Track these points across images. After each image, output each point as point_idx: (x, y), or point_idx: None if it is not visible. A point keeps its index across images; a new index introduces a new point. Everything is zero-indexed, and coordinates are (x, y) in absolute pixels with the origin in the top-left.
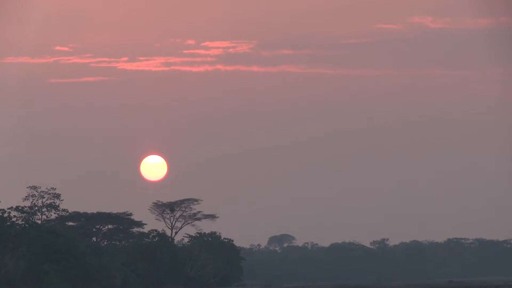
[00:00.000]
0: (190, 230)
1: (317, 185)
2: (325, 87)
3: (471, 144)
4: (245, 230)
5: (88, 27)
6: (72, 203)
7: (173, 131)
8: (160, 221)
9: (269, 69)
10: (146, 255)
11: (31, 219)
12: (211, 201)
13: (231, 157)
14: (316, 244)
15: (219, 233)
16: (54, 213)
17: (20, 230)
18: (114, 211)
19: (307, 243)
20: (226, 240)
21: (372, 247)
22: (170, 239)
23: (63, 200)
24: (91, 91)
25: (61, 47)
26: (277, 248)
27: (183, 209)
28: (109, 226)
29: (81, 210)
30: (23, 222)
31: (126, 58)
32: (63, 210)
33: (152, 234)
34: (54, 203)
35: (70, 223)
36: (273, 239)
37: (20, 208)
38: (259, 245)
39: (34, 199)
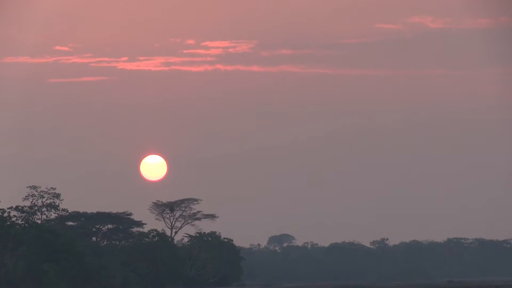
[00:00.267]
0: (190, 230)
1: (317, 185)
2: (325, 87)
3: (470, 144)
4: (245, 230)
5: (88, 27)
6: (72, 202)
7: (173, 131)
8: (160, 221)
9: (268, 69)
10: (146, 255)
11: (31, 219)
12: (211, 201)
13: (231, 157)
14: (316, 244)
15: (219, 233)
16: (54, 212)
17: (20, 230)
18: (114, 211)
19: (307, 243)
20: (226, 240)
21: (372, 247)
22: (170, 239)
23: (63, 199)
24: (91, 91)
25: (61, 47)
26: (277, 248)
27: (183, 209)
28: (109, 226)
29: (81, 210)
30: (23, 222)
31: (126, 58)
32: (63, 210)
33: (152, 234)
34: (54, 202)
35: (70, 223)
36: (273, 239)
37: (20, 208)
38: (259, 245)
39: (34, 199)
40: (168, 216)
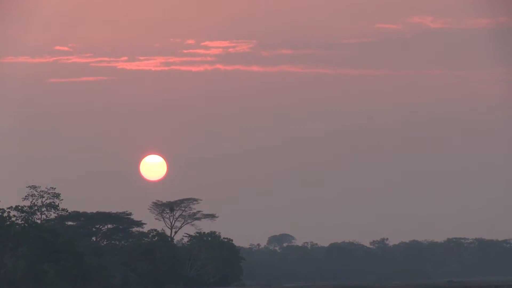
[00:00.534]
0: (190, 229)
1: (317, 185)
2: (325, 87)
3: (470, 144)
4: (245, 230)
5: (88, 26)
6: (71, 202)
7: (173, 130)
8: (160, 220)
9: (268, 69)
10: (145, 254)
11: (30, 218)
12: (211, 201)
13: (231, 156)
14: (316, 244)
15: (219, 232)
16: (54, 212)
17: (19, 230)
18: (114, 210)
19: (306, 243)
20: (226, 240)
21: (371, 247)
22: (169, 239)
23: (62, 199)
24: (91, 91)
25: (61, 47)
26: (277, 248)
27: (183, 208)
28: (109, 226)
29: (81, 209)
30: (22, 222)
31: (125, 58)
32: (63, 209)
33: (151, 233)
34: (54, 202)
35: (70, 223)
36: (273, 239)
37: (19, 207)
38: (258, 244)
39: (33, 199)
40: (168, 216)
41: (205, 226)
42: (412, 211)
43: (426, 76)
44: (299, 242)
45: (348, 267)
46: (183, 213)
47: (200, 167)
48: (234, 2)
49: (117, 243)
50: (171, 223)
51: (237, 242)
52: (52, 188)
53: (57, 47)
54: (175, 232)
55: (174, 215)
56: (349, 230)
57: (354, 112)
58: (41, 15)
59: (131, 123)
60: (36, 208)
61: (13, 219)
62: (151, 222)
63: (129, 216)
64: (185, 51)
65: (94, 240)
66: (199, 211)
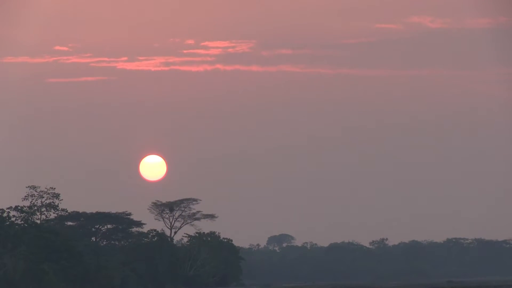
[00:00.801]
0: (189, 230)
1: (316, 185)
2: (324, 86)
3: (470, 144)
4: (244, 230)
5: (88, 27)
6: (71, 202)
7: (172, 131)
8: (159, 221)
9: (268, 68)
10: (145, 254)
11: (30, 219)
12: (210, 201)
13: (231, 157)
14: (315, 244)
15: (218, 233)
16: (53, 212)
17: (19, 230)
18: (113, 211)
19: (306, 243)
20: (225, 240)
21: (371, 247)
22: (169, 239)
23: (62, 199)
24: (91, 91)
25: (61, 47)
26: (276, 248)
27: (182, 209)
28: (108, 226)
29: (80, 209)
30: (22, 222)
31: (125, 58)
32: (62, 209)
33: (151, 234)
34: (53, 202)
35: (69, 223)
36: (272, 239)
37: (19, 208)
38: (258, 245)
39: (33, 199)
40: (167, 216)
41: (205, 226)
42: (411, 211)
43: (425, 76)
44: (298, 242)
45: (348, 267)
46: (183, 213)
47: (199, 168)
48: (233, 2)
49: (117, 243)
50: (171, 223)
51: (236, 242)
52: (52, 188)
53: (57, 47)
54: (175, 232)
55: (173, 215)
56: (348, 230)
57: (354, 112)
58: (41, 16)
59: (130, 123)
60: (35, 208)
61: (13, 219)
62: (151, 222)
63: (128, 216)
64: (184, 51)
65: (94, 240)
66: (198, 211)
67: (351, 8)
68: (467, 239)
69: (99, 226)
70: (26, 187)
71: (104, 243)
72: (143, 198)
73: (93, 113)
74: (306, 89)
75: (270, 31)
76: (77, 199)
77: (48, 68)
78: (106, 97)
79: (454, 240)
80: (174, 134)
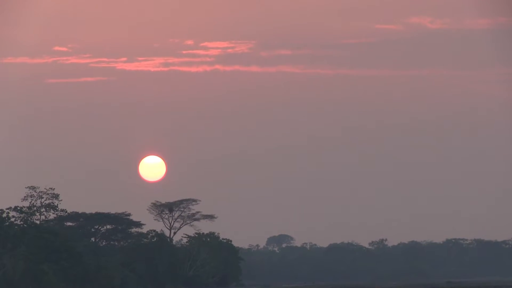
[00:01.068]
0: (189, 230)
1: (316, 186)
2: (324, 87)
3: (469, 145)
4: (244, 231)
5: (87, 27)
6: (70, 203)
7: (172, 131)
8: (159, 221)
9: (268, 69)
10: (144, 255)
11: (29, 219)
12: (210, 202)
13: (230, 157)
14: (315, 244)
15: (218, 233)
16: (53, 213)
17: (19, 230)
18: (113, 211)
19: (305, 243)
20: (225, 241)
21: (370, 247)
22: (168, 239)
23: (61, 200)
24: (90, 91)
25: (60, 47)
26: (276, 249)
27: (182, 209)
28: (108, 227)
29: (80, 210)
30: (22, 222)
31: (125, 58)
32: (62, 210)
33: (150, 234)
34: (53, 203)
35: (69, 223)
36: (272, 240)
37: (18, 208)
38: (257, 245)
39: (32, 199)
40: (167, 216)
41: (204, 227)
42: (410, 211)
43: (425, 76)
44: (298, 242)
45: (347, 268)
46: (182, 214)
47: (199, 168)
48: (233, 2)
49: (116, 243)
50: (170, 224)
51: (236, 243)
52: (51, 188)
53: (56, 48)
54: (174, 233)
55: (173, 216)
56: (348, 231)
57: (354, 112)
58: (40, 16)
59: (130, 123)
60: (35, 208)
61: (12, 219)
62: (150, 223)
63: (128, 217)
64: (184, 51)
65: (93, 240)
66: (198, 212)
67: (351, 9)
68: (466, 240)
69: (98, 227)
70: (26, 188)
71: (104, 243)
72: (143, 199)
73: (92, 114)
74: (306, 90)
75: (270, 32)
76: (77, 200)
77: (48, 68)
78: (105, 98)
79: (453, 240)
80: (173, 135)
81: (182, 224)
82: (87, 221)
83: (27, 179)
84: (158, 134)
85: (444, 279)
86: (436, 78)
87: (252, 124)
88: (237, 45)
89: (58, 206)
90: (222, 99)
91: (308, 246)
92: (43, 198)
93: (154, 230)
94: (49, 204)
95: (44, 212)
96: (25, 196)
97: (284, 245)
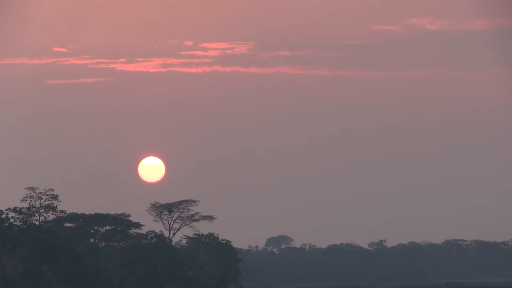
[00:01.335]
0: (188, 231)
1: (315, 187)
2: (323, 88)
3: (468, 146)
4: (243, 232)
5: (86, 28)
6: (70, 204)
7: (171, 132)
8: (158, 222)
9: (267, 70)
10: (144, 256)
11: (29, 220)
12: (209, 202)
13: (229, 158)
14: (314, 245)
15: (217, 234)
16: (52, 214)
17: (18, 231)
18: (112, 212)
19: (305, 244)
20: (224, 242)
21: (370, 248)
22: (168, 240)
23: (61, 201)
24: (89, 92)
25: (59, 48)
26: (275, 250)
27: (181, 210)
28: (107, 227)
29: (79, 211)
30: (21, 223)
31: (124, 59)
32: (61, 211)
33: (150, 235)
34: (52, 204)
35: (68, 224)
36: (271, 241)
37: (18, 209)
38: (257, 246)
39: (32, 200)
40: (166, 217)
41: (204, 228)
42: (410, 212)
43: (424, 77)
44: (297, 243)
45: (347, 269)
46: (182, 215)
47: (198, 169)
48: (232, 3)
49: (116, 244)
50: (170, 225)
51: (235, 244)
52: (50, 189)
53: (56, 49)
54: (174, 234)
55: (172, 217)
56: (347, 232)
57: (353, 113)
58: (40, 17)
59: (129, 124)
60: (34, 209)
61: (12, 220)
62: (150, 224)
63: (127, 218)
64: (183, 52)
65: (93, 241)
66: (197, 213)
67: (350, 10)
68: (466, 241)
69: (97, 228)
70: (25, 189)
71: (103, 244)
72: (142, 200)
73: (92, 115)
74: (305, 90)
75: (269, 33)
76: (76, 200)
77: (47, 69)
78: (105, 99)
79: (453, 241)
80: (172, 136)
81: (182, 225)
82: (86, 222)
83: (27, 179)
84: (158, 135)
85: (443, 280)
86: (435, 79)
87: (251, 125)
88: (237, 46)
89: (57, 207)
90: (221, 100)
91: (307, 247)
92: (42, 199)
93: (154, 231)
94: (48, 205)
95: (43, 213)
96: (24, 197)
97: (283, 246)
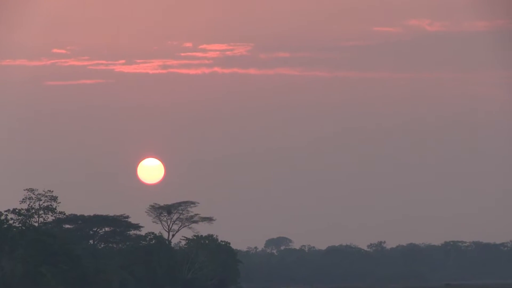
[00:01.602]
0: (187, 232)
1: (314, 188)
2: (322, 89)
3: (468, 147)
4: (242, 233)
5: (86, 29)
6: (69, 205)
7: (170, 133)
8: (157, 223)
9: (266, 71)
10: (143, 258)
11: (28, 221)
12: (208, 204)
13: (229, 159)
14: (313, 247)
15: (216, 235)
16: (51, 215)
17: (17, 233)
18: (111, 213)
19: (304, 245)
20: (223, 243)
21: (369, 250)
22: (167, 242)
23: (60, 202)
24: (89, 94)
25: (59, 50)
26: (274, 251)
27: (180, 211)
28: (106, 229)
29: (78, 212)
30: (20, 225)
31: (123, 61)
32: (60, 212)
33: (149, 236)
34: (51, 205)
35: (67, 226)
36: (270, 242)
37: (17, 210)
38: (256, 247)
39: (31, 202)
40: (165, 219)
41: (203, 229)
42: (409, 213)
43: (424, 78)
44: (296, 245)
45: (346, 270)
46: (181, 216)
47: (197, 170)
48: (231, 5)
49: (115, 246)
50: (169, 226)
51: (234, 245)
52: (50, 191)
53: (55, 50)
54: (173, 235)
55: (171, 218)
56: (346, 233)
57: (352, 114)
58: (39, 18)
59: (128, 126)
60: (33, 211)
61: (11, 222)
62: (149, 225)
63: (126, 219)
64: (182, 54)
65: (92, 243)
66: (196, 214)
67: (349, 11)
68: (465, 242)
69: (97, 229)
70: (24, 190)
71: (102, 246)
72: (141, 201)
73: (91, 116)
74: (304, 92)
75: (268, 34)
76: (75, 202)
77: (46, 71)
78: (104, 100)
79: (452, 243)
80: (172, 137)
81: (181, 226)
82: (85, 223)
83: (26, 181)
84: (157, 136)
85: (442, 282)
86: (435, 80)
87: (250, 126)
88: (236, 47)
89: (57, 208)
90: (220, 101)
91: (306, 249)
92: (41, 200)
93: (153, 233)
94: (47, 206)
95: (42, 215)
96: (23, 199)
97: (282, 248)
